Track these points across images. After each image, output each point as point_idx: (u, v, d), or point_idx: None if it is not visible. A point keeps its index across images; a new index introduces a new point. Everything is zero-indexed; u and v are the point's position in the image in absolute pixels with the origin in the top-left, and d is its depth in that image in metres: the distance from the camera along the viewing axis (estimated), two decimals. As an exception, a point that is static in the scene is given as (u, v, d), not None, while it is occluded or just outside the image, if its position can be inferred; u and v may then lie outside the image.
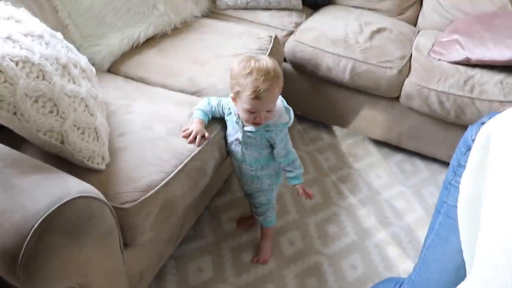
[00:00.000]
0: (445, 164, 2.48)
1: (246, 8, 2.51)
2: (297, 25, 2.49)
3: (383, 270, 1.90)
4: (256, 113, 1.44)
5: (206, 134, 1.58)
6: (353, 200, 2.22)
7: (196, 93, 1.84)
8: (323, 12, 2.65)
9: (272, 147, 1.61)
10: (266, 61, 1.43)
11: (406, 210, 2.19)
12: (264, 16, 2.49)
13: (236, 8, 2.51)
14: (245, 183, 1.74)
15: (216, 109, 1.64)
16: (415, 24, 2.78)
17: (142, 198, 1.34)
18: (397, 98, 2.33)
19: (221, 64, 1.93)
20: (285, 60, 2.41)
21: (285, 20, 2.49)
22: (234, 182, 2.19)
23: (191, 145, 1.54)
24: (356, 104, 2.44)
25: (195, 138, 1.55)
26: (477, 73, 2.21)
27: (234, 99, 1.49)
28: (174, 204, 1.46)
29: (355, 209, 2.17)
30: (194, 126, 1.58)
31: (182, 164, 1.48)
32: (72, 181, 1.15)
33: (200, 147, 1.55)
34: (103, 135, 1.41)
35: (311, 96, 2.51)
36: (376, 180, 2.36)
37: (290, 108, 1.59)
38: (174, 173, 1.44)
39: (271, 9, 2.54)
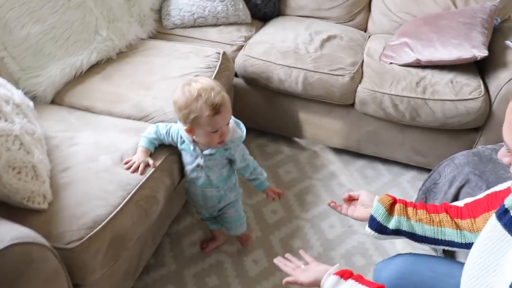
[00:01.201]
0: (405, 166, 2.49)
1: (194, 26, 2.48)
2: (247, 39, 2.47)
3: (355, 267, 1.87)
4: (219, 130, 1.43)
5: (151, 162, 1.53)
6: (316, 211, 2.19)
7: (143, 118, 1.79)
8: (272, 24, 2.63)
9: (230, 162, 1.60)
10: (203, 79, 1.44)
11: (370, 217, 2.18)
12: (212, 33, 2.46)
13: (184, 26, 2.48)
14: (212, 206, 1.72)
15: (165, 138, 1.59)
16: (365, 30, 2.80)
17: (88, 235, 1.28)
18: (352, 105, 2.32)
19: (167, 87, 1.89)
20: (236, 75, 2.38)
21: (234, 35, 2.46)
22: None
23: (137, 175, 1.49)
24: (312, 114, 2.42)
25: (138, 168, 1.51)
26: (428, 74, 2.23)
27: (190, 130, 1.45)
28: (124, 237, 1.41)
29: (319, 221, 2.14)
30: (137, 155, 1.54)
31: (130, 195, 1.43)
32: (4, 227, 1.09)
33: (148, 175, 1.50)
34: (43, 172, 1.35)
35: (266, 109, 2.48)
36: (338, 188, 2.34)
37: (240, 122, 1.58)
38: (121, 205, 1.39)
39: (219, 25, 2.50)
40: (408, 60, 2.28)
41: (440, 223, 1.21)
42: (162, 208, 1.61)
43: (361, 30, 2.76)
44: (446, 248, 1.21)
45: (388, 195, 1.28)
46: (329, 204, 1.37)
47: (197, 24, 2.46)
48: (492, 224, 0.94)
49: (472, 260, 0.98)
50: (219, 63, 2.10)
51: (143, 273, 1.80)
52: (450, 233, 1.19)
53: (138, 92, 1.87)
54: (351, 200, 1.36)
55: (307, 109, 2.41)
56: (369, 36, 2.68)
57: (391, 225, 1.23)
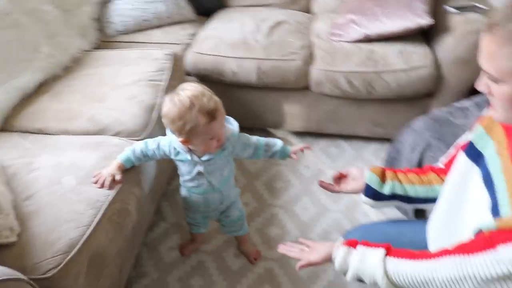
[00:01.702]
0: (367, 139, 2.54)
1: (137, 30, 2.42)
2: (194, 36, 2.44)
3: (331, 260, 1.90)
4: (216, 136, 1.38)
5: (118, 177, 1.48)
6: (287, 196, 2.21)
7: (101, 131, 1.74)
8: (217, 18, 2.61)
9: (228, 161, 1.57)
10: (189, 86, 1.37)
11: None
12: (158, 34, 2.41)
13: (127, 32, 2.42)
14: (214, 209, 1.68)
15: (156, 153, 1.51)
16: (309, 11, 2.81)
17: (65, 260, 1.25)
18: (308, 87, 2.34)
19: (121, 95, 1.85)
20: (188, 74, 2.35)
21: (180, 33, 2.43)
22: (165, 210, 2.12)
23: (106, 190, 1.45)
24: (269, 102, 2.43)
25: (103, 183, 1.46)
26: (377, 47, 2.27)
27: (187, 141, 1.39)
28: (103, 255, 1.38)
29: (292, 205, 2.16)
30: (107, 169, 1.49)
31: (101, 212, 1.39)
32: (-26, 268, 1.04)
33: (117, 189, 1.47)
34: (5, 204, 1.30)
35: (223, 103, 2.45)
36: (306, 171, 2.36)
37: (228, 117, 1.54)
38: (94, 223, 1.36)
39: (163, 25, 2.46)
40: (356, 36, 2.31)
41: (429, 182, 1.29)
42: (135, 219, 1.58)
43: (306, 12, 2.77)
44: None
45: (378, 166, 1.35)
46: (320, 185, 1.42)
47: (140, 27, 2.41)
48: (461, 159, 1.12)
49: (445, 192, 1.15)
50: (170, 64, 2.07)
51: (126, 287, 1.77)
52: (440, 190, 1.25)
53: (91, 106, 1.82)
54: (341, 178, 1.41)
55: (264, 98, 2.41)
56: (315, 17, 2.69)
57: (386, 190, 1.30)
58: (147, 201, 1.76)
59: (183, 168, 1.52)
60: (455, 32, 2.20)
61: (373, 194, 1.32)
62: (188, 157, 1.46)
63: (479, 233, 0.94)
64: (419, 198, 1.30)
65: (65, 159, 1.57)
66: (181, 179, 1.59)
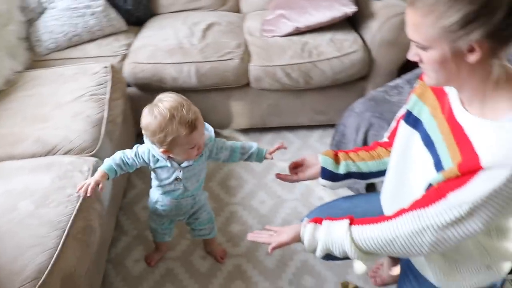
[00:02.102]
0: (310, 127, 2.63)
1: (70, 46, 2.36)
2: (128, 46, 2.42)
3: (296, 245, 1.95)
4: (197, 145, 1.40)
5: (101, 185, 1.43)
6: (243, 193, 2.25)
7: (50, 152, 1.71)
8: (149, 26, 2.60)
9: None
10: (167, 97, 1.37)
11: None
12: (91, 49, 2.37)
13: (59, 49, 2.35)
14: (185, 213, 1.70)
15: (135, 161, 1.50)
16: (239, 11, 2.87)
17: (37, 286, 1.22)
18: (248, 84, 2.40)
19: (65, 113, 1.82)
20: (129, 85, 2.33)
21: (115, 45, 2.40)
22: (125, 223, 2.10)
23: (67, 209, 1.43)
24: (212, 103, 2.45)
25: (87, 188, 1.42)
26: (309, 38, 2.37)
27: (167, 151, 1.40)
28: (74, 275, 1.36)
29: (249, 201, 2.21)
30: (90, 178, 1.46)
31: (66, 232, 1.37)
32: None
33: (77, 206, 1.45)
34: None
35: (168, 110, 2.47)
36: (257, 166, 2.41)
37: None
38: (60, 244, 1.33)
39: (96, 39, 2.42)
40: (288, 30, 2.39)
41: (379, 156, 1.38)
42: (99, 235, 1.56)
43: (235, 12, 2.83)
44: None
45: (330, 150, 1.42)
46: (277, 177, 1.47)
47: (73, 43, 2.35)
48: (402, 127, 1.22)
49: (392, 161, 1.26)
50: (109, 76, 2.05)
51: (97, 307, 1.75)
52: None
53: (35, 127, 1.77)
54: (296, 167, 1.47)
55: (206, 99, 2.44)
56: (245, 16, 2.75)
57: (341, 170, 1.37)
58: (107, 216, 1.74)
59: (161, 175, 1.53)
60: (378, 17, 2.34)
61: (329, 175, 1.39)
62: (168, 164, 1.47)
63: (429, 187, 1.04)
64: (372, 172, 1.38)
65: (17, 184, 1.52)
66: (155, 183, 1.59)
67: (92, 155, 1.72)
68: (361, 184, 2.10)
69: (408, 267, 1.34)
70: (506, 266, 1.23)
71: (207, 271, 1.88)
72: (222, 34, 2.45)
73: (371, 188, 2.13)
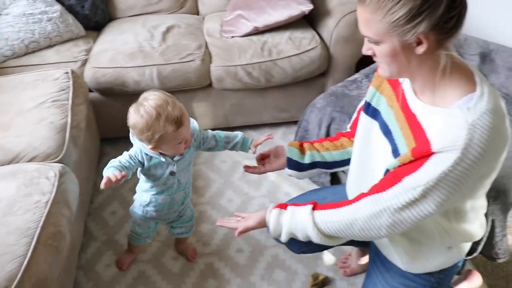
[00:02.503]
0: (274, 125, 2.68)
1: (28, 53, 2.32)
2: (88, 51, 2.40)
3: (266, 241, 2.00)
4: (184, 139, 1.42)
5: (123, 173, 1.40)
6: (211, 192, 2.28)
7: (13, 160, 1.68)
8: (108, 31, 2.58)
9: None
10: (151, 95, 1.38)
11: (260, 179, 2.32)
12: (50, 55, 2.33)
13: (17, 56, 2.31)
14: (175, 210, 1.71)
15: (132, 162, 1.48)
16: (198, 13, 2.89)
17: (8, 295, 1.21)
18: (210, 85, 2.42)
19: (28, 120, 1.79)
20: (90, 90, 2.32)
21: (74, 51, 2.38)
22: (94, 229, 2.08)
23: (35, 216, 1.42)
24: (176, 105, 2.46)
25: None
26: (268, 37, 2.42)
27: (155, 147, 1.43)
28: (45, 282, 1.34)
29: (217, 200, 2.23)
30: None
31: (35, 238, 1.36)
32: None
33: (45, 212, 1.44)
34: None
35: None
36: (223, 165, 2.44)
37: None
38: (30, 251, 1.32)
39: (54, 45, 2.38)
40: (247, 30, 2.43)
41: (342, 145, 1.44)
42: (69, 241, 1.55)
43: (194, 14, 2.84)
44: None
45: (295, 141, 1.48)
46: (245, 170, 1.51)
47: (30, 50, 2.31)
48: (362, 118, 1.29)
49: (355, 150, 1.33)
50: (70, 82, 2.03)
51: (69, 314, 1.73)
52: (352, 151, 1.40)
53: (-4, 136, 1.74)
54: (263, 158, 1.51)
55: (170, 102, 2.44)
56: (204, 18, 2.77)
57: (306, 160, 1.43)
58: (75, 221, 1.73)
59: (157, 172, 1.53)
60: (334, 14, 2.41)
61: (295, 165, 1.44)
62: (162, 158, 1.49)
63: (386, 172, 1.11)
64: (336, 161, 1.45)
65: (-18, 194, 1.50)
66: (146, 185, 1.60)
67: (57, 161, 1.70)
68: (326, 178, 2.18)
69: (375, 254, 1.40)
70: (466, 247, 1.30)
71: (180, 271, 1.90)
72: (182, 36, 2.47)
73: (336, 182, 2.19)
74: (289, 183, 2.31)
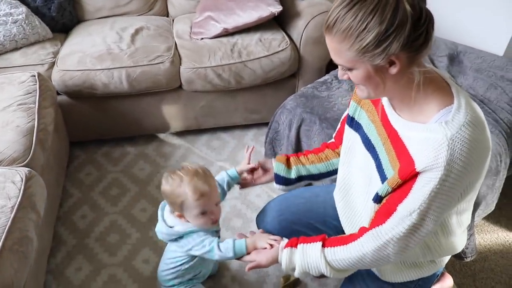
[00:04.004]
0: (245, 127, 2.69)
1: (-8, 56, 2.28)
2: (55, 54, 2.36)
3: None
4: (208, 212, 1.41)
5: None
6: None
7: (-20, 165, 1.65)
8: (76, 33, 2.55)
9: None
10: (187, 167, 1.43)
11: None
12: (16, 57, 2.29)
13: (-19, 59, 2.27)
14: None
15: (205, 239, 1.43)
16: (167, 15, 2.87)
17: (-27, 300, 1.19)
18: (180, 87, 2.41)
19: (-7, 124, 1.76)
20: (58, 93, 2.28)
21: (41, 53, 2.33)
22: (63, 233, 2.05)
23: (1, 221, 1.40)
24: (146, 107, 2.45)
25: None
26: (238, 39, 2.43)
27: (181, 215, 1.43)
28: (12, 286, 1.32)
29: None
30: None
31: (0, 244, 1.33)
32: None
33: (11, 217, 1.41)
34: None
35: (99, 117, 2.43)
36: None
37: None
38: (-4, 257, 1.30)
39: (21, 47, 2.33)
40: (216, 32, 2.44)
41: (327, 158, 1.48)
42: (37, 245, 1.53)
43: (163, 16, 2.83)
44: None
45: (283, 154, 1.51)
46: (241, 187, 1.59)
47: (-5, 53, 2.27)
48: (347, 131, 1.33)
49: (341, 160, 1.36)
50: (37, 85, 2.00)
51: (38, 320, 1.70)
52: (337, 162, 1.44)
53: (-40, 141, 1.70)
54: (253, 170, 1.55)
55: (139, 104, 2.43)
56: (173, 20, 2.76)
57: (293, 175, 1.47)
58: (44, 226, 1.70)
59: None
60: (303, 16, 2.44)
61: (283, 181, 1.48)
62: (207, 229, 1.47)
63: (379, 198, 1.11)
64: (322, 173, 1.48)
65: None
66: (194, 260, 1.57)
67: (24, 165, 1.67)
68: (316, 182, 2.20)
69: None
70: (446, 259, 1.33)
71: (151, 274, 1.88)
72: (151, 38, 2.46)
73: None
74: (259, 185, 2.31)
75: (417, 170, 0.97)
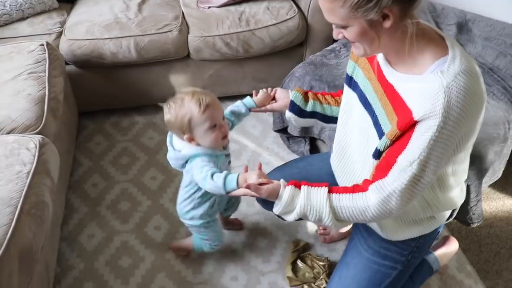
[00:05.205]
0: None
1: (0, 26, 2.27)
2: (62, 24, 2.35)
3: (247, 209, 2.03)
4: (217, 125, 1.38)
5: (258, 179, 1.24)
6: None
7: (-9, 132, 1.67)
8: (82, 2, 2.53)
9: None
10: (182, 91, 1.42)
11: (239, 149, 2.36)
12: (24, 27, 2.28)
13: (-12, 29, 2.26)
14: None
15: (214, 165, 1.39)
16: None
17: (-5, 261, 1.22)
18: (188, 56, 2.41)
19: (4, 93, 1.77)
20: (67, 63, 2.28)
21: (48, 23, 2.32)
22: (75, 201, 2.08)
23: (18, 186, 1.42)
24: (153, 77, 2.45)
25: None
26: (246, 7, 2.42)
27: (191, 138, 1.40)
28: (31, 250, 1.36)
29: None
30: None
31: (18, 208, 1.36)
32: None
33: (27, 182, 1.44)
34: None
35: (108, 87, 2.44)
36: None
37: None
38: (14, 220, 1.32)
39: (28, 17, 2.32)
40: (224, 0, 2.42)
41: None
42: (52, 210, 1.55)
43: (169, -16, 2.80)
44: None
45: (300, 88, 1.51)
46: (254, 110, 1.55)
47: (2, 22, 2.25)
48: (345, 90, 1.35)
49: (339, 120, 1.39)
50: (46, 54, 2.00)
51: (55, 285, 1.74)
52: None
53: (-27, 109, 1.72)
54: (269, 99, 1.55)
55: (148, 73, 2.43)
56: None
57: (308, 108, 1.46)
58: (57, 193, 1.73)
59: (221, 166, 1.46)
60: (311, -16, 2.42)
61: (297, 110, 1.47)
62: (215, 151, 1.44)
63: (378, 153, 1.13)
64: (333, 117, 1.47)
65: (-38, 166, 1.48)
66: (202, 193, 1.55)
67: (37, 133, 1.69)
68: (306, 147, 2.21)
69: None
70: (446, 214, 1.35)
71: (162, 241, 1.92)
72: (158, 7, 2.44)
73: (315, 151, 2.23)
74: (268, 153, 2.34)
75: (415, 119, 0.99)
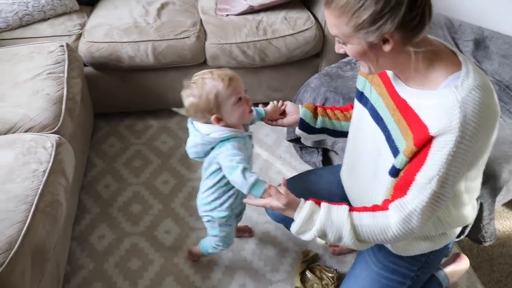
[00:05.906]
0: (266, 104, 2.66)
1: (21, 26, 2.30)
2: (82, 26, 2.39)
3: (258, 217, 2.03)
4: (243, 98, 1.36)
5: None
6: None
7: (10, 130, 1.69)
8: (102, 6, 2.57)
9: None
10: (197, 73, 1.39)
11: (252, 157, 2.35)
12: (45, 28, 2.32)
13: (11, 29, 2.28)
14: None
15: (243, 151, 1.35)
16: (192, -10, 2.88)
17: (8, 258, 1.23)
18: (205, 62, 2.43)
19: (24, 92, 1.80)
20: (85, 65, 2.31)
21: (68, 25, 2.36)
22: (87, 202, 2.10)
23: (34, 184, 1.43)
24: (170, 81, 2.47)
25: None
26: (263, 17, 2.43)
27: (219, 118, 1.34)
28: (44, 248, 1.37)
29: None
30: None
31: (34, 205, 1.38)
32: None
33: (43, 181, 1.45)
34: None
35: (124, 90, 2.46)
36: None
37: None
38: (29, 218, 1.34)
39: (49, 18, 2.36)
40: (242, 9, 2.44)
41: (351, 117, 1.45)
42: (65, 210, 1.57)
43: (189, -9, 2.84)
44: None
45: (310, 102, 1.51)
46: (265, 121, 1.54)
47: (24, 23, 2.29)
48: (356, 105, 1.36)
49: (349, 136, 1.41)
50: (66, 55, 2.03)
51: (65, 283, 1.75)
52: None
53: (-8, 106, 1.74)
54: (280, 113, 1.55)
55: (164, 78, 2.45)
56: (198, -5, 2.77)
57: (318, 125, 1.47)
58: (70, 193, 1.74)
59: (245, 151, 1.39)
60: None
61: (306, 127, 1.48)
62: (241, 133, 1.39)
63: (396, 171, 1.12)
64: (343, 131, 1.49)
65: (-20, 163, 1.51)
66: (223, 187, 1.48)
67: (54, 132, 1.71)
68: (318, 158, 2.21)
69: None
70: (457, 230, 1.35)
71: (172, 245, 1.93)
72: (177, 13, 2.47)
73: (327, 162, 2.23)
74: (281, 162, 2.34)
75: (431, 134, 0.99)
